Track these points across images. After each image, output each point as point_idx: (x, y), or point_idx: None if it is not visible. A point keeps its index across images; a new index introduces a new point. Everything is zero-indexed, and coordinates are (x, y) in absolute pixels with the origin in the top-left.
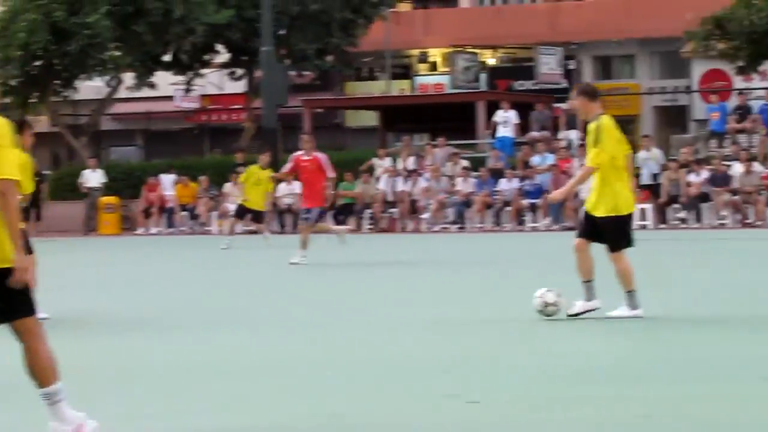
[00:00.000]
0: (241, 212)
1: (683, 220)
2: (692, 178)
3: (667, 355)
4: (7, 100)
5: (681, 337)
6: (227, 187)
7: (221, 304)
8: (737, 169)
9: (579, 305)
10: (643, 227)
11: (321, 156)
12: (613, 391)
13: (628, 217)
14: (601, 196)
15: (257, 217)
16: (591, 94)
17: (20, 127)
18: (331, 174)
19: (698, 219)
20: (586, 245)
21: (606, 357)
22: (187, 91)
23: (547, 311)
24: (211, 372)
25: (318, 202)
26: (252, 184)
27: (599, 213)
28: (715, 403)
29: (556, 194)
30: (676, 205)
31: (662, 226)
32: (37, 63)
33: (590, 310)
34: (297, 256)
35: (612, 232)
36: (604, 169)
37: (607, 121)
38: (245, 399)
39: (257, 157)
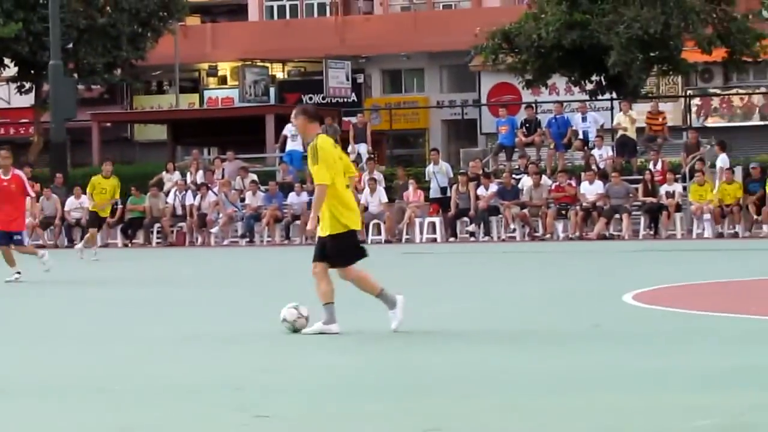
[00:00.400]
0: (95, 220)
1: (472, 234)
2: (481, 191)
3: (453, 368)
4: None
5: (471, 350)
6: None
7: None
8: (526, 182)
9: (317, 326)
10: (433, 240)
11: (21, 174)
12: (396, 406)
13: (352, 233)
14: (324, 218)
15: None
16: (310, 114)
17: None
18: (32, 194)
19: (487, 232)
20: (324, 268)
21: (385, 371)
22: None
23: (296, 324)
24: None
25: (23, 225)
26: (98, 194)
27: (323, 233)
28: (507, 413)
29: (309, 226)
30: (466, 219)
31: (452, 239)
32: None
33: (327, 333)
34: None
35: (333, 249)
36: (332, 187)
37: (322, 141)
38: (30, 416)
39: (101, 168)
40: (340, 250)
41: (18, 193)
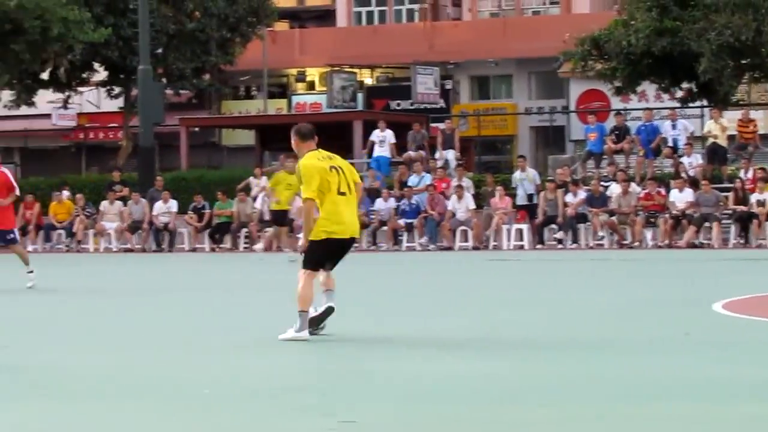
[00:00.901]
0: (281, 218)
1: (560, 241)
2: (569, 198)
3: (539, 376)
4: None
5: (557, 358)
6: (104, 205)
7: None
8: (614, 189)
9: (290, 333)
10: (520, 247)
11: (6, 171)
12: (481, 413)
13: (336, 241)
14: (322, 219)
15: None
16: (302, 134)
17: None
18: (17, 191)
19: (575, 240)
20: (312, 276)
21: (470, 378)
22: (65, 108)
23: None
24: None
25: (13, 223)
26: (284, 189)
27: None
28: (592, 422)
29: (302, 243)
30: (553, 226)
31: (539, 246)
32: None
33: (298, 340)
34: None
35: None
36: (322, 199)
37: (304, 160)
38: (126, 419)
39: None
40: (307, 254)
41: (5, 191)
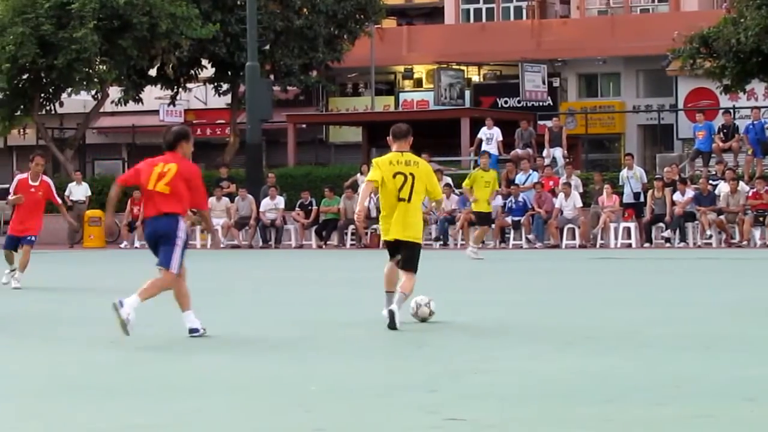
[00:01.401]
0: (485, 218)
1: (668, 239)
2: (677, 197)
3: (644, 375)
4: None
5: (662, 357)
6: (211, 201)
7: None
8: (723, 188)
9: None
10: (628, 246)
11: (50, 181)
12: (591, 412)
13: (389, 242)
14: (380, 220)
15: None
16: (393, 134)
17: None
18: (58, 200)
19: (683, 238)
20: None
21: (578, 377)
22: (171, 104)
23: (419, 312)
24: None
25: (37, 230)
26: (481, 188)
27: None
28: (698, 422)
29: (358, 209)
30: (661, 224)
31: (647, 245)
32: (25, 76)
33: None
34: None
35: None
36: (381, 197)
37: (380, 157)
38: (211, 412)
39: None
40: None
41: (42, 201)
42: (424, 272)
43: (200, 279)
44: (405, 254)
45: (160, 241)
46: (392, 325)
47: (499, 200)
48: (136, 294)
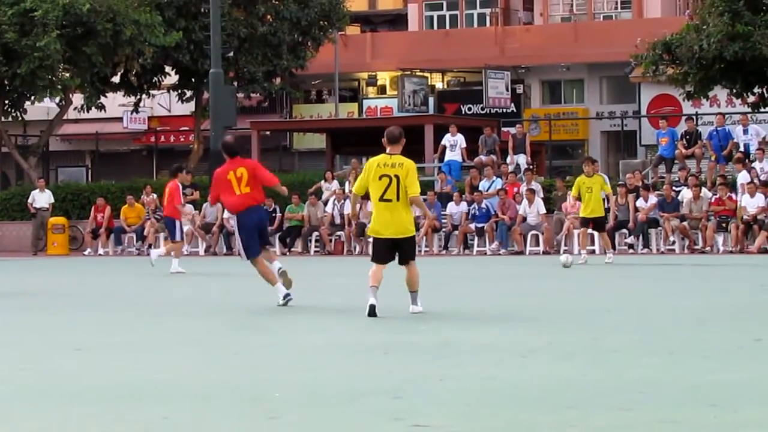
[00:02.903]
0: (585, 222)
1: (631, 246)
2: (640, 203)
3: (610, 381)
4: None
5: (628, 363)
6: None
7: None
8: (686, 194)
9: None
10: (591, 252)
11: None
12: (553, 418)
13: (379, 240)
14: (371, 219)
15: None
16: (387, 137)
17: None
18: None
19: (646, 244)
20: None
21: (543, 383)
22: (135, 112)
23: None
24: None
25: None
26: (585, 192)
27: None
28: (664, 427)
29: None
30: (624, 231)
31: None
32: None
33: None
34: None
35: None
36: (371, 198)
37: (369, 160)
38: (176, 420)
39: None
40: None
41: None
42: (388, 279)
43: (165, 286)
44: (405, 249)
45: (264, 225)
46: (372, 314)
47: (463, 207)
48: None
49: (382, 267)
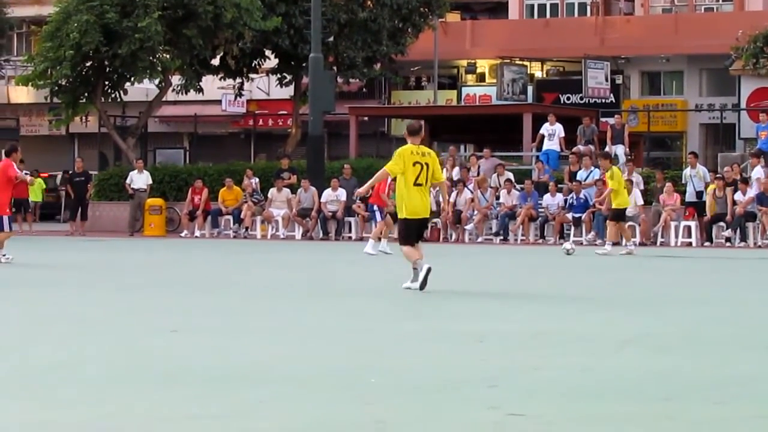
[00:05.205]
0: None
1: (728, 239)
2: (738, 196)
3: (704, 374)
4: (58, 99)
5: (721, 356)
6: (271, 192)
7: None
8: None
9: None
10: (689, 244)
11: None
12: (649, 409)
13: (413, 220)
14: (400, 203)
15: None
16: (409, 131)
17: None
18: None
19: (744, 238)
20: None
21: (638, 374)
22: (237, 96)
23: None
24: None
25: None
26: (622, 187)
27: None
28: (761, 422)
29: (362, 190)
30: (722, 224)
31: (707, 244)
32: (88, 64)
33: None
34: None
35: (400, 230)
36: (400, 181)
37: (401, 148)
38: (290, 406)
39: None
40: (399, 232)
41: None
42: (484, 267)
43: (260, 270)
44: (422, 229)
45: None
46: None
47: (559, 197)
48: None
49: (414, 245)
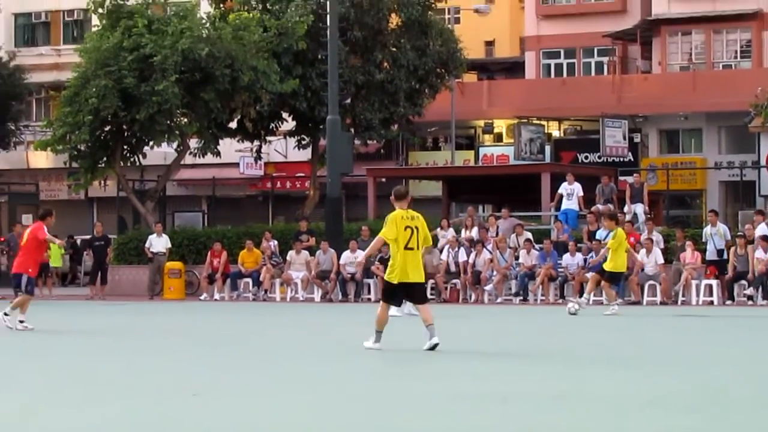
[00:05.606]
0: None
1: (750, 297)
2: (759, 254)
3: None
4: (77, 164)
5: (747, 417)
6: (290, 254)
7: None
8: None
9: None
10: (710, 303)
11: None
12: None
13: (400, 285)
14: (390, 265)
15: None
16: (396, 195)
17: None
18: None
19: (766, 296)
20: (386, 306)
21: None
22: (257, 159)
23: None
24: None
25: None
26: (623, 249)
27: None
28: None
29: (360, 260)
30: (743, 282)
31: (729, 302)
32: (107, 128)
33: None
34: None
35: (383, 289)
36: (393, 247)
37: (392, 214)
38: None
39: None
40: (383, 290)
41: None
42: (504, 327)
43: (281, 331)
44: (420, 292)
45: None
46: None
47: (578, 256)
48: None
49: (388, 309)
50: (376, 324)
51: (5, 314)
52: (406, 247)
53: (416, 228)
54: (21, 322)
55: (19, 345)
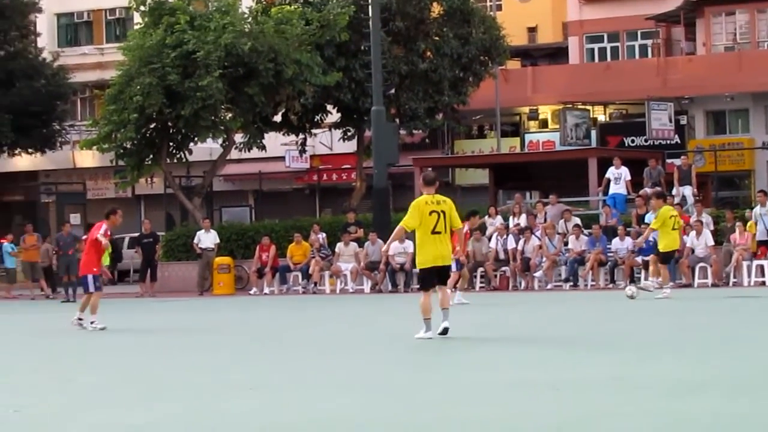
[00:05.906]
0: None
1: None
2: None
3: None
4: (123, 162)
5: None
6: (339, 246)
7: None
8: None
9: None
10: (762, 284)
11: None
12: None
13: (430, 269)
14: (419, 252)
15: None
16: (424, 181)
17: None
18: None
19: None
20: (428, 294)
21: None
22: (302, 152)
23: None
24: None
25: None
26: (672, 229)
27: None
28: None
29: (384, 249)
30: None
31: None
32: (152, 125)
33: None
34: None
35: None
36: (418, 232)
37: (416, 200)
38: None
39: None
40: (420, 280)
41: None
42: (555, 313)
43: (332, 323)
44: (443, 275)
45: None
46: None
47: (628, 241)
48: None
49: (430, 295)
50: (422, 312)
51: (79, 320)
52: (433, 232)
53: (442, 212)
54: (92, 323)
55: (76, 346)
